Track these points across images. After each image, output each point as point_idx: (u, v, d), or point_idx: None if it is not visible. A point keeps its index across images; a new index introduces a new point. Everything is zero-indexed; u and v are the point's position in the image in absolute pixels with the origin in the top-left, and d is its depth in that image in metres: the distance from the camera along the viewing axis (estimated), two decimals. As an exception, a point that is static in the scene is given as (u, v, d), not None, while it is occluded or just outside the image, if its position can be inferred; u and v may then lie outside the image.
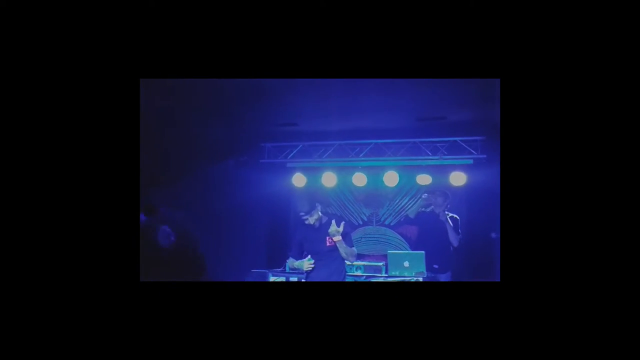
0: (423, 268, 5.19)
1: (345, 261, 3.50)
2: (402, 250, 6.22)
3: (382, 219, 6.97)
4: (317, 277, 3.47)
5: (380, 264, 5.60)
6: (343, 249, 3.37)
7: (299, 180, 6.48)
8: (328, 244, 3.53)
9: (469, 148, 5.59)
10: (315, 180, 6.40)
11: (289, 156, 6.20)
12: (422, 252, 5.25)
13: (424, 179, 6.22)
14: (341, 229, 3.38)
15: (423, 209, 5.82)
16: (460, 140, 5.48)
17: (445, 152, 5.71)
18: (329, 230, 3.34)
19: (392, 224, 6.93)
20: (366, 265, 5.60)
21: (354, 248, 3.46)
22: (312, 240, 3.59)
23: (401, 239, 6.71)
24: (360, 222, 6.83)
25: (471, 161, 5.89)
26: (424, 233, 5.41)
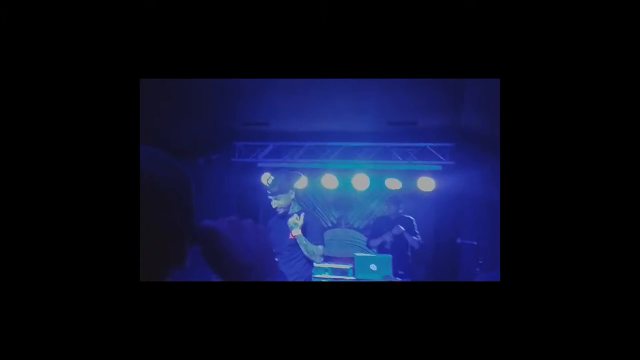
0: (390, 271, 5.22)
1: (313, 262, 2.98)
2: (369, 253, 6.22)
3: (351, 222, 6.97)
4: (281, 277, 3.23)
5: (348, 267, 5.61)
6: (303, 246, 2.88)
7: (267, 179, 6.49)
8: (291, 236, 3.05)
9: (437, 154, 5.63)
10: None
11: (260, 156, 6.19)
12: (389, 255, 5.28)
13: (394, 183, 6.24)
14: (301, 221, 2.88)
15: (380, 215, 5.85)
16: (430, 147, 5.52)
17: (415, 157, 5.76)
18: (288, 222, 2.83)
19: (360, 227, 6.93)
20: (334, 267, 5.61)
21: (320, 247, 2.95)
22: (275, 229, 3.06)
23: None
24: (330, 225, 6.84)
25: (439, 167, 5.94)
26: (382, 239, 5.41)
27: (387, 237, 5.33)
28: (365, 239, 6.58)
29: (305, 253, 2.89)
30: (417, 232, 5.46)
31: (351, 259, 5.68)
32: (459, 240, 5.32)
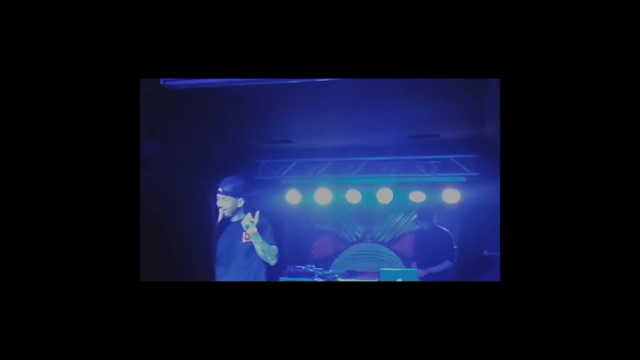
0: None
1: (267, 263, 2.86)
2: (395, 267, 6.17)
3: (376, 236, 6.94)
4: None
5: (374, 281, 5.54)
6: (260, 245, 2.82)
7: (293, 197, 6.47)
8: (244, 240, 3.00)
9: (462, 166, 5.59)
10: (309, 197, 6.39)
11: (283, 173, 6.18)
12: (415, 269, 5.23)
13: (418, 196, 6.21)
14: (256, 219, 2.85)
15: (418, 227, 5.75)
16: (454, 158, 5.48)
17: (439, 170, 5.71)
18: (242, 222, 2.78)
19: (386, 241, 6.89)
20: (359, 282, 5.55)
21: (274, 246, 2.88)
22: (227, 232, 3.01)
23: (395, 256, 6.68)
24: (354, 239, 6.80)
25: (464, 179, 5.89)
26: (420, 250, 5.34)
27: (448, 265, 5.23)
28: (392, 253, 6.55)
29: (260, 253, 2.81)
30: (455, 247, 5.37)
31: (377, 274, 5.60)
32: (485, 252, 5.23)
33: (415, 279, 5.05)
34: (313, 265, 5.61)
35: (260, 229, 2.91)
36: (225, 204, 2.96)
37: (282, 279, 5.39)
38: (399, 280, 5.09)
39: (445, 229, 5.29)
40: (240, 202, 2.95)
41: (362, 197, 6.23)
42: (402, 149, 5.43)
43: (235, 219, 2.93)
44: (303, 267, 5.58)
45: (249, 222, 2.82)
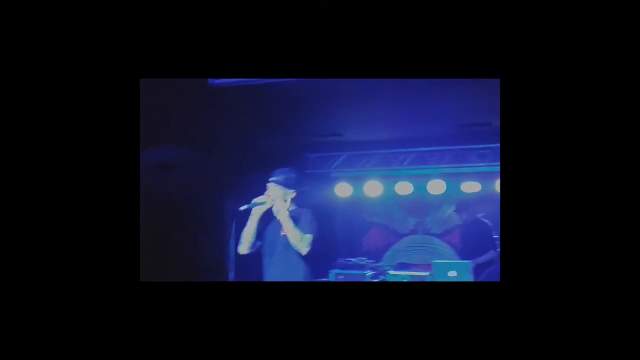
0: (470, 277, 5.07)
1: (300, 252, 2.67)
2: (449, 259, 6.07)
3: (428, 228, 6.83)
4: (270, 276, 2.84)
5: (426, 274, 5.46)
6: (292, 233, 2.65)
7: (343, 189, 6.43)
8: (282, 233, 2.88)
9: None
10: (359, 190, 6.34)
11: (333, 166, 6.15)
12: (469, 261, 5.16)
13: (471, 187, 6.10)
14: (288, 203, 2.67)
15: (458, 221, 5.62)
16: None
17: (492, 159, 5.58)
18: (273, 209, 2.57)
19: (438, 233, 6.79)
20: (411, 275, 5.47)
21: (308, 235, 2.74)
22: (272, 224, 2.84)
23: (449, 247, 6.60)
24: (406, 231, 6.73)
25: None
26: (464, 243, 5.25)
27: (493, 255, 5.15)
28: (445, 245, 6.42)
29: (293, 242, 2.68)
30: (496, 236, 5.27)
31: (429, 266, 5.56)
32: None
33: (469, 270, 4.99)
34: (364, 258, 5.55)
35: (295, 216, 2.81)
36: (274, 193, 2.86)
37: (332, 272, 5.34)
38: (453, 272, 5.04)
39: (485, 220, 5.19)
40: (291, 194, 2.86)
41: (414, 189, 6.15)
42: (453, 138, 5.35)
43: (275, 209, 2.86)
44: (354, 260, 5.52)
45: (280, 208, 2.71)
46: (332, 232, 6.81)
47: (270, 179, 2.88)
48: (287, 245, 2.83)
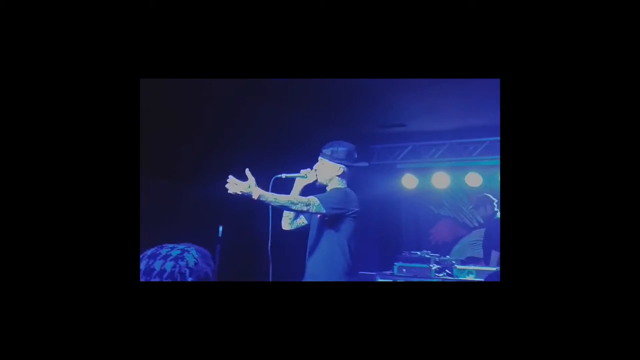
0: None
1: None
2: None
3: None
4: (310, 265, 2.66)
5: (494, 268, 5.36)
6: (271, 198, 2.31)
7: (409, 181, 6.31)
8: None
9: None
10: (426, 181, 6.22)
11: (399, 157, 6.03)
12: None
13: None
14: (251, 181, 2.17)
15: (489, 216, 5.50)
16: None
17: None
18: (242, 190, 2.23)
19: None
20: (478, 270, 5.36)
21: (312, 198, 2.43)
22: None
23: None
24: (476, 225, 6.58)
25: None
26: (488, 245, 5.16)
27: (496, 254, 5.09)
28: None
29: (277, 203, 2.33)
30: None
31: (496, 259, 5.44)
32: None
33: None
34: (429, 251, 5.46)
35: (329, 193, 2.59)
36: (321, 167, 2.69)
37: (396, 265, 5.25)
38: None
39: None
40: (339, 170, 2.66)
41: (484, 180, 6.00)
42: None
43: (329, 187, 2.69)
44: (419, 253, 5.42)
45: (249, 185, 2.33)
46: (398, 225, 6.69)
47: (321, 155, 2.71)
48: (332, 234, 2.62)
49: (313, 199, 2.42)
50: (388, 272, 5.38)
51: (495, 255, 4.95)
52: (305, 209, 2.39)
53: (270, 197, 2.31)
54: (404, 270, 5.29)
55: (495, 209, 5.27)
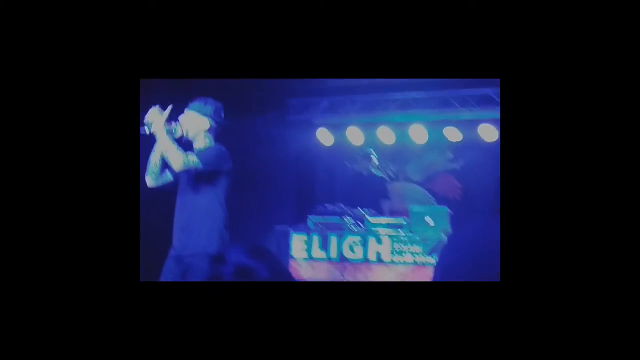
0: (446, 225, 5.06)
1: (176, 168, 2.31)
2: (428, 206, 6.07)
3: (410, 175, 6.77)
4: (180, 220, 2.58)
5: (403, 221, 5.46)
6: (165, 145, 2.24)
7: (324, 136, 6.38)
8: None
9: (499, 100, 5.36)
10: (341, 137, 6.30)
11: (315, 112, 6.06)
12: (446, 208, 5.15)
13: (454, 134, 6.04)
14: (166, 114, 2.23)
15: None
16: (492, 93, 5.25)
17: (476, 105, 5.49)
18: (146, 118, 2.12)
19: (420, 181, 6.75)
20: (389, 222, 5.46)
21: (192, 157, 2.34)
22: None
23: (429, 195, 6.55)
24: (387, 179, 6.67)
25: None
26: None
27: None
28: (425, 192, 6.38)
29: (169, 158, 2.20)
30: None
31: (406, 211, 5.55)
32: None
33: (446, 217, 4.96)
34: (341, 204, 5.53)
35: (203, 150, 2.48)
36: (186, 122, 2.58)
37: (310, 217, 5.31)
38: (429, 218, 5.00)
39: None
40: (205, 123, 2.57)
41: (396, 136, 6.10)
42: (436, 85, 5.23)
43: (196, 143, 2.59)
44: (333, 206, 5.50)
45: (156, 117, 2.18)
46: (313, 180, 6.77)
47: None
48: (209, 190, 2.58)
49: (191, 154, 2.37)
50: (302, 226, 5.45)
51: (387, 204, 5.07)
52: (184, 160, 2.28)
53: (166, 139, 2.20)
54: (319, 224, 5.38)
55: (377, 163, 5.41)
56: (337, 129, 6.24)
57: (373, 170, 6.24)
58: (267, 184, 5.64)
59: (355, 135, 6.19)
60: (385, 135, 6.10)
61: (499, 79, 1.48)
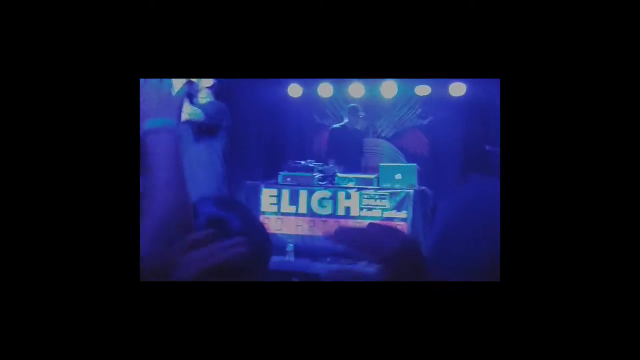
0: (415, 180, 5.18)
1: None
2: (397, 163, 6.17)
3: (379, 131, 6.84)
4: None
5: (372, 176, 5.56)
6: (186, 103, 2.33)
7: (294, 90, 6.43)
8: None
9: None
10: (311, 91, 6.35)
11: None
12: (414, 164, 5.24)
13: (423, 90, 6.13)
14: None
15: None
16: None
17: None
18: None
19: (389, 136, 6.82)
20: (358, 177, 5.55)
21: (197, 110, 2.45)
22: None
23: (397, 151, 6.61)
24: (368, 134, 6.70)
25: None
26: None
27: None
28: (394, 148, 6.43)
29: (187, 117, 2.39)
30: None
31: (376, 168, 5.65)
32: (487, 148, 5.24)
33: (414, 173, 5.05)
34: (312, 160, 5.61)
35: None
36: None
37: (281, 174, 5.39)
38: (398, 175, 5.09)
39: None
40: (210, 81, 2.64)
41: (365, 91, 6.16)
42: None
43: (199, 98, 2.66)
44: (303, 162, 5.58)
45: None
46: (284, 134, 6.81)
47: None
48: (210, 144, 2.67)
49: (195, 107, 2.47)
50: (272, 181, 5.49)
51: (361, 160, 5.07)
52: (189, 111, 2.40)
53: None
54: (289, 179, 5.44)
55: (361, 115, 5.48)
56: (306, 83, 6.28)
57: (357, 127, 6.28)
58: (241, 140, 5.65)
59: (326, 90, 6.23)
60: (356, 90, 6.14)
61: (499, 79, 1.48)
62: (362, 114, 5.86)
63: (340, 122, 5.83)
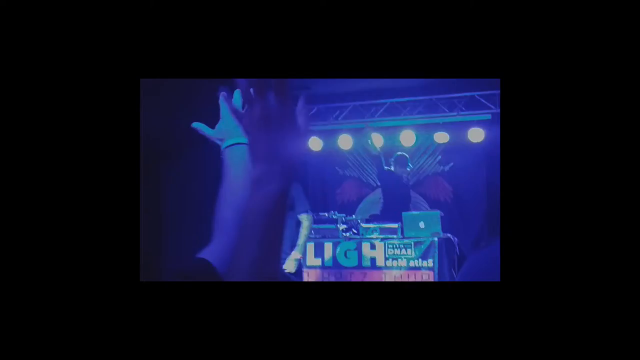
0: (438, 228, 5.15)
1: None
2: (421, 210, 6.19)
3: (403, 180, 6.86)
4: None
5: (396, 225, 5.53)
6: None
7: (315, 143, 6.46)
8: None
9: (487, 103, 5.47)
10: (331, 143, 6.38)
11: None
12: (437, 211, 5.23)
13: (442, 137, 6.14)
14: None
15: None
16: (478, 95, 5.36)
17: (463, 108, 5.61)
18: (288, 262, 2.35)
19: (410, 184, 6.84)
20: (381, 227, 5.51)
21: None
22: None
23: (421, 198, 6.64)
24: (378, 183, 6.74)
25: (489, 116, 5.79)
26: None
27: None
28: (416, 195, 6.46)
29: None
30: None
31: (399, 216, 5.64)
32: None
33: (438, 221, 5.03)
34: (336, 212, 5.62)
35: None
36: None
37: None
38: (421, 223, 5.06)
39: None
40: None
41: (385, 141, 6.19)
42: (423, 88, 5.35)
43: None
44: (326, 214, 5.60)
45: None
46: (305, 187, 6.89)
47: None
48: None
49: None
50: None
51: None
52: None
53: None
54: (313, 231, 5.46)
55: (409, 168, 5.48)
56: (326, 135, 6.30)
57: (403, 179, 6.30)
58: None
59: (346, 141, 6.26)
60: (376, 140, 6.17)
61: (498, 80, 1.48)
62: (410, 166, 5.79)
63: (387, 167, 5.79)
